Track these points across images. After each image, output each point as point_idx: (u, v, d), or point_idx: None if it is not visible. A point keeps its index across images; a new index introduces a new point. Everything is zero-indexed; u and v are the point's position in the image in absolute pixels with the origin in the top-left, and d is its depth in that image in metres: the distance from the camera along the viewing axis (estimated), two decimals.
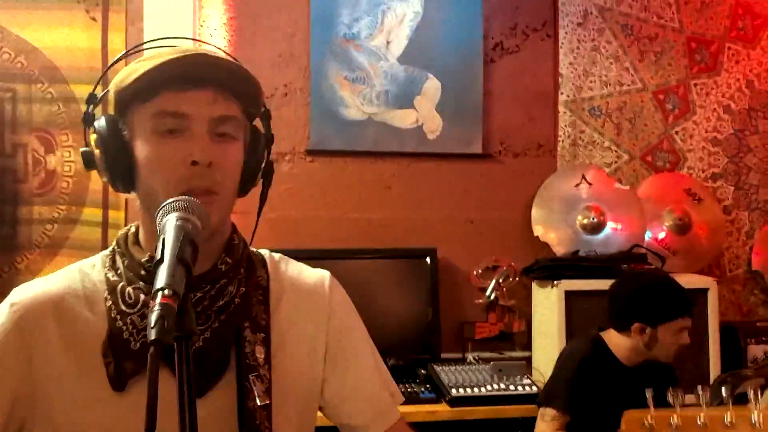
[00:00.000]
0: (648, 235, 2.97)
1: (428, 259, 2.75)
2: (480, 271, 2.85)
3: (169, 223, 0.72)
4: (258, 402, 0.88)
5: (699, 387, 1.15)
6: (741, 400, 2.50)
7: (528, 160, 2.95)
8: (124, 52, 1.07)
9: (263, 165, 1.00)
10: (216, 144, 0.90)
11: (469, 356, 2.75)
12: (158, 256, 0.69)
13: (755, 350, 2.76)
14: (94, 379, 0.88)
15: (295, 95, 2.78)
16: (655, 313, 2.01)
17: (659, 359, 2.06)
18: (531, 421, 2.21)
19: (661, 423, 0.71)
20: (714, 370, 2.68)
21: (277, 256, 1.05)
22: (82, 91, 2.56)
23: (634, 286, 2.12)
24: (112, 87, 0.92)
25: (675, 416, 0.76)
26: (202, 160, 0.88)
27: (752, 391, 0.75)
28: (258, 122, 1.04)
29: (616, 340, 2.09)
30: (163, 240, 0.70)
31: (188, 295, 0.66)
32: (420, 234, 2.83)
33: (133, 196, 0.95)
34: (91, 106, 0.97)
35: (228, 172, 0.92)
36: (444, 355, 2.74)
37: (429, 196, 2.87)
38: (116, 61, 1.06)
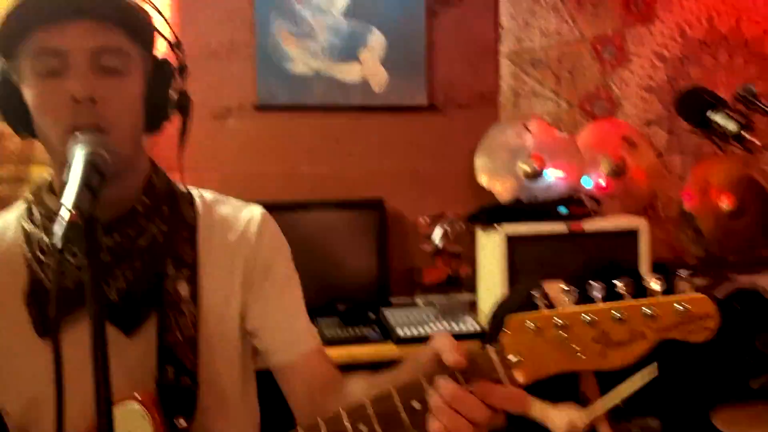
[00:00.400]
0: (587, 180, 3.11)
1: (377, 210, 2.86)
2: (427, 219, 2.97)
3: (76, 153, 0.75)
4: (180, 336, 0.92)
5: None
6: None
7: (471, 111, 3.04)
8: None
9: (176, 98, 0.97)
10: (101, 78, 0.87)
11: (418, 300, 2.89)
12: (64, 178, 0.72)
13: (683, 286, 2.94)
14: (21, 327, 0.92)
15: (240, 51, 2.81)
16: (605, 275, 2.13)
17: None
18: None
19: (545, 323, 0.71)
20: None
21: (208, 195, 1.07)
22: None
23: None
24: None
25: (556, 316, 0.71)
26: (83, 96, 0.85)
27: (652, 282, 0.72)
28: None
29: (557, 291, 2.22)
30: (70, 167, 0.73)
31: (95, 216, 0.68)
32: (368, 185, 2.92)
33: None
34: None
35: (119, 109, 0.89)
36: (394, 300, 2.87)
37: (376, 149, 2.95)
38: None
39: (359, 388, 0.96)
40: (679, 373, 2.64)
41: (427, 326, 2.54)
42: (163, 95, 0.95)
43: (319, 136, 2.91)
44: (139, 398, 0.89)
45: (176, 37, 1.00)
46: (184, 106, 0.99)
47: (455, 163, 3.02)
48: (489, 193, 2.98)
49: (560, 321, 0.70)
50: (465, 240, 2.99)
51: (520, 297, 2.27)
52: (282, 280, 1.07)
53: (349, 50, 2.88)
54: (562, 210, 2.85)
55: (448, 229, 2.97)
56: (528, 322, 0.71)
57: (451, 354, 0.71)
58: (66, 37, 0.84)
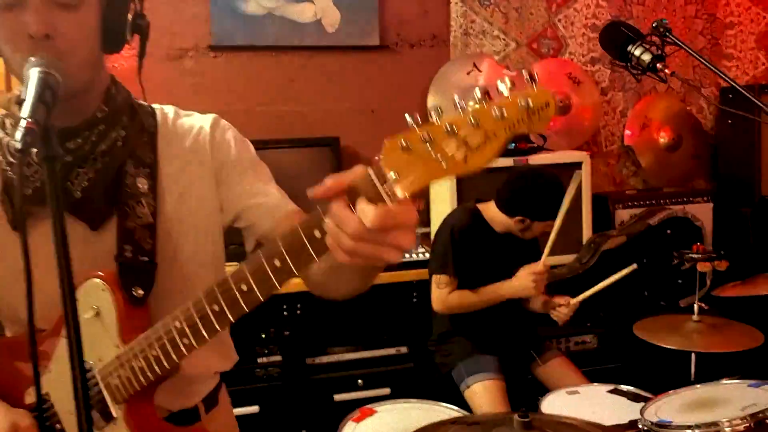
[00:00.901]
0: None
1: (332, 148, 2.97)
2: (381, 156, 3.09)
3: (32, 74, 0.85)
4: (138, 221, 1.03)
5: None
6: (607, 255, 2.90)
7: (423, 50, 3.13)
8: None
9: (130, 20, 1.02)
10: (56, 12, 0.93)
11: None
12: (22, 98, 0.81)
13: (622, 214, 3.15)
14: None
15: None
16: (537, 213, 2.27)
17: (524, 237, 2.36)
18: (424, 284, 2.53)
19: (414, 140, 0.73)
20: (587, 233, 3.06)
21: (169, 109, 1.16)
22: None
23: (527, 186, 2.30)
24: None
25: (424, 131, 0.73)
26: (38, 33, 0.91)
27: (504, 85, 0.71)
28: None
29: (495, 215, 2.36)
30: (27, 85, 0.83)
31: (51, 126, 0.78)
32: (324, 124, 3.02)
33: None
34: None
35: (74, 40, 0.95)
36: None
37: (331, 88, 3.04)
38: None
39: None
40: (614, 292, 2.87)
41: None
42: (119, 20, 1.01)
43: (274, 75, 2.97)
44: (101, 274, 1.01)
45: None
46: (141, 27, 1.05)
47: (408, 101, 3.12)
48: None
49: (427, 135, 0.72)
50: None
51: (462, 213, 2.43)
52: (245, 165, 1.14)
53: None
54: (510, 146, 3.00)
55: None
56: (401, 140, 0.74)
57: (331, 181, 0.78)
58: None
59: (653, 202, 3.15)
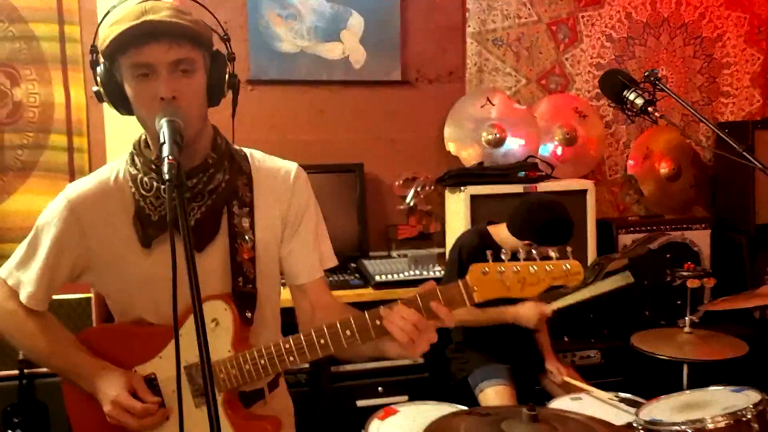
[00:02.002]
0: (545, 148, 3.51)
1: (356, 173, 3.23)
2: (401, 181, 3.35)
3: (164, 123, 1.12)
4: (245, 256, 1.30)
5: None
6: (611, 275, 3.12)
7: (441, 85, 3.41)
8: (103, 16, 1.28)
9: (227, 78, 1.31)
10: (177, 80, 1.20)
11: (394, 253, 3.29)
12: (161, 140, 1.08)
13: (625, 239, 3.37)
14: (130, 241, 1.31)
15: (235, 31, 3.12)
16: (544, 240, 2.46)
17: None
18: None
19: (492, 269, 1.15)
20: (591, 256, 3.28)
21: (257, 153, 1.43)
22: (41, 28, 2.85)
23: (538, 215, 2.47)
24: (99, 46, 1.24)
25: (498, 266, 1.14)
26: (167, 95, 1.19)
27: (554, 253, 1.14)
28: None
29: (505, 237, 2.56)
30: (162, 132, 1.10)
31: (180, 164, 1.04)
32: (349, 152, 3.29)
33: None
34: (93, 55, 1.28)
35: (190, 98, 1.23)
36: (372, 254, 3.26)
37: (356, 119, 3.31)
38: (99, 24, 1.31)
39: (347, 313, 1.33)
40: (617, 310, 3.09)
41: (400, 274, 2.93)
42: (220, 80, 1.30)
43: (304, 107, 3.25)
44: (221, 296, 1.28)
45: (225, 32, 1.35)
46: (234, 85, 1.33)
47: (426, 131, 3.39)
48: (456, 159, 3.37)
49: (500, 269, 1.14)
50: (435, 200, 3.39)
51: (472, 235, 2.66)
52: (309, 221, 1.40)
53: (331, 31, 3.21)
54: (520, 174, 3.25)
55: (420, 190, 3.36)
56: (483, 268, 1.16)
57: (422, 290, 1.20)
58: (151, 54, 1.19)
59: (654, 228, 3.38)
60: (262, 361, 1.24)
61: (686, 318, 2.28)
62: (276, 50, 3.17)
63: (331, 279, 2.89)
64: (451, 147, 3.37)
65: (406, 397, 2.85)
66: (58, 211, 1.33)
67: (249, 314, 1.30)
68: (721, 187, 3.68)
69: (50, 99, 2.91)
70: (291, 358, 1.24)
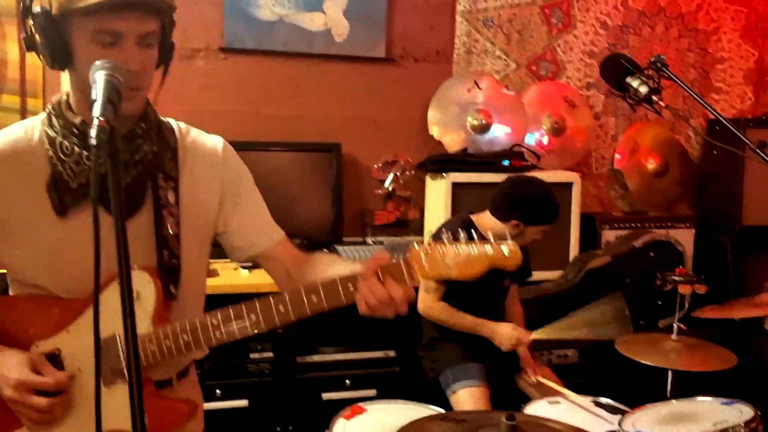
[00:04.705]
0: (531, 137, 3.37)
1: (333, 153, 3.06)
2: (380, 164, 3.19)
3: (99, 77, 0.97)
4: (170, 231, 1.23)
5: None
6: (594, 275, 3.01)
7: (426, 65, 3.24)
8: None
9: (169, 51, 1.25)
10: (142, 52, 1.15)
11: (369, 239, 3.13)
12: (93, 98, 0.94)
13: (608, 235, 3.26)
14: (42, 208, 1.18)
15: None
16: (532, 218, 2.37)
17: None
18: (415, 291, 2.61)
19: (433, 250, 1.13)
20: (573, 251, 3.17)
21: (182, 125, 1.34)
22: None
23: (523, 191, 2.41)
24: (55, 2, 1.13)
25: (442, 248, 1.12)
26: (136, 68, 1.14)
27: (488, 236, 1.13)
28: None
29: (488, 223, 2.45)
30: (96, 87, 0.96)
31: (114, 125, 0.90)
32: (326, 130, 3.11)
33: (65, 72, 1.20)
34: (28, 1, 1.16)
35: (149, 71, 1.20)
36: (347, 239, 3.10)
37: (335, 96, 3.13)
38: None
39: (321, 265, 1.31)
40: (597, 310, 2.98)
41: None
42: (168, 51, 1.24)
43: (281, 80, 3.06)
44: (145, 268, 1.20)
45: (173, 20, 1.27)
46: (170, 57, 1.26)
47: (409, 113, 3.22)
48: (439, 143, 3.21)
49: (442, 250, 1.12)
50: (414, 186, 3.23)
51: (456, 224, 2.51)
52: (248, 191, 1.36)
53: (313, 0, 3.01)
54: (505, 162, 3.11)
55: (399, 175, 3.20)
56: (426, 248, 1.13)
57: (376, 261, 1.13)
58: (123, 23, 1.11)
59: (638, 225, 3.27)
60: (185, 337, 1.17)
61: (674, 325, 2.17)
62: (253, 17, 2.96)
63: None
64: (434, 131, 3.21)
65: (374, 392, 2.72)
66: None
67: (173, 289, 1.24)
68: (708, 185, 3.59)
69: (2, 56, 2.68)
70: (218, 334, 1.17)
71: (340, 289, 1.13)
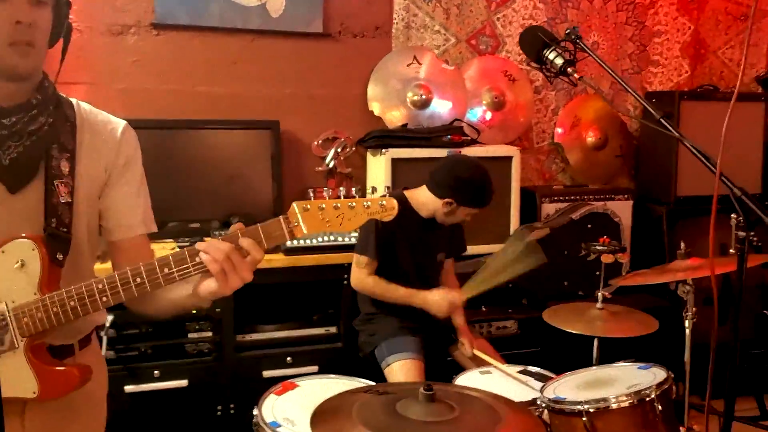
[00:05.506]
0: (474, 113, 3.38)
1: (272, 131, 3.02)
2: (320, 141, 3.17)
3: None
4: (61, 199, 1.24)
5: None
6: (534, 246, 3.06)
7: (365, 40, 3.21)
8: None
9: (66, 23, 1.27)
10: (33, 8, 1.17)
11: None
12: None
13: (548, 208, 3.31)
14: None
15: None
16: (465, 199, 2.39)
17: (445, 223, 2.49)
18: (351, 266, 2.63)
19: (313, 206, 1.19)
20: (513, 225, 3.21)
21: (86, 105, 1.35)
22: None
23: (462, 172, 2.42)
24: None
25: (320, 203, 1.19)
26: (25, 21, 1.15)
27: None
28: None
29: (423, 199, 2.47)
30: None
31: None
32: (264, 108, 3.07)
33: None
34: None
35: (42, 31, 1.20)
36: None
37: (273, 73, 3.09)
38: None
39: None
40: (536, 280, 3.03)
41: (314, 240, 2.77)
42: (61, 21, 1.25)
43: (216, 57, 3.00)
44: (32, 236, 1.22)
45: None
46: (68, 33, 1.28)
47: (348, 89, 3.20)
48: (378, 119, 3.20)
49: (321, 206, 1.19)
50: (356, 162, 3.22)
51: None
52: (133, 178, 1.37)
53: None
54: (445, 138, 3.12)
55: (340, 151, 3.19)
56: (306, 205, 1.19)
57: (238, 226, 1.21)
58: None
59: (578, 197, 3.33)
60: (72, 303, 1.20)
61: (598, 293, 2.22)
62: None
63: None
64: (374, 107, 3.20)
65: (316, 368, 2.73)
66: None
67: (60, 256, 1.24)
68: (645, 158, 3.66)
69: None
70: (104, 299, 1.20)
71: (188, 258, 1.19)
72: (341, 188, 1.31)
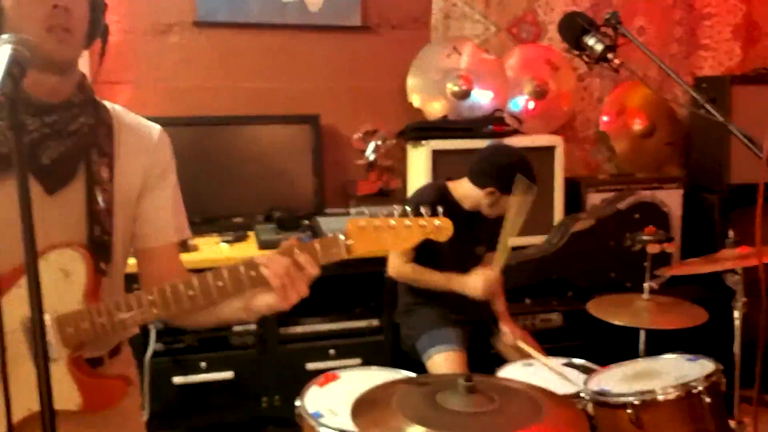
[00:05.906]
0: (516, 102, 3.33)
1: (312, 125, 3.05)
2: (360, 134, 3.18)
3: (3, 50, 0.95)
4: (103, 205, 1.21)
5: None
6: (578, 238, 3.00)
7: (404, 32, 3.20)
8: None
9: (102, 25, 1.23)
10: None
11: (352, 210, 3.13)
12: None
13: (594, 198, 3.24)
14: None
15: None
16: (506, 186, 2.35)
17: (490, 215, 2.45)
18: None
19: (369, 224, 1.20)
20: (558, 215, 3.15)
21: (119, 107, 1.33)
22: None
23: (502, 158, 2.39)
24: None
25: (377, 222, 1.19)
26: (62, 5, 1.11)
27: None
28: None
29: (464, 190, 2.44)
30: None
31: (18, 98, 0.89)
32: (304, 102, 3.10)
33: None
34: None
35: (79, 20, 1.16)
36: (330, 210, 3.10)
37: (312, 67, 3.11)
38: None
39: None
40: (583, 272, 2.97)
41: None
42: (97, 20, 1.21)
43: (257, 53, 3.04)
44: (75, 245, 1.18)
45: None
46: (105, 34, 1.24)
47: (388, 82, 3.20)
48: (418, 110, 3.19)
49: (377, 224, 1.18)
50: (396, 155, 3.22)
51: (430, 190, 2.51)
52: (168, 185, 1.33)
53: None
54: (486, 128, 3.08)
55: (380, 144, 3.19)
56: (361, 222, 1.20)
57: (293, 241, 1.20)
58: None
59: (625, 187, 3.24)
60: (121, 315, 1.17)
61: (645, 284, 2.16)
62: None
63: (279, 237, 2.73)
64: (414, 99, 3.19)
65: (359, 361, 2.74)
66: None
67: (104, 265, 1.22)
68: (696, 145, 3.54)
69: None
70: (155, 310, 1.17)
71: (244, 274, 1.17)
72: (395, 206, 1.26)
